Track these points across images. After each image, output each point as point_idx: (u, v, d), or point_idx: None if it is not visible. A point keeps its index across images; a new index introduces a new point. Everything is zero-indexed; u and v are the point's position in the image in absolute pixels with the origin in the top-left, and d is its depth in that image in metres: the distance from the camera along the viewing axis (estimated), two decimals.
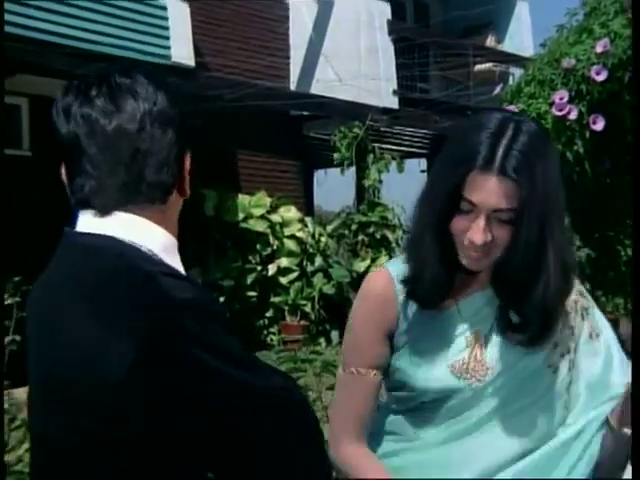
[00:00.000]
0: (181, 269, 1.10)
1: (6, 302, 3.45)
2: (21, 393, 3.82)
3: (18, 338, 3.33)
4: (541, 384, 1.34)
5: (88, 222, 1.10)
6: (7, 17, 6.21)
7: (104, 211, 1.09)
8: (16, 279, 3.49)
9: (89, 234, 1.09)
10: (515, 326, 1.32)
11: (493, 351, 1.33)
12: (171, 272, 1.05)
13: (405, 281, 1.34)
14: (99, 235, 1.08)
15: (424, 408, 1.37)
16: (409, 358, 1.35)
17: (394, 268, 1.38)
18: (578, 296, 1.39)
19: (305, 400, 1.15)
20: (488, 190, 1.21)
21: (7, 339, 3.31)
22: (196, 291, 1.04)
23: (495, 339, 1.33)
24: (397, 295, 1.35)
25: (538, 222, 1.24)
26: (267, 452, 1.04)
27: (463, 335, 1.34)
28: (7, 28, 6.16)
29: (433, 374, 1.33)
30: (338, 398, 1.43)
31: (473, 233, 1.23)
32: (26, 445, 2.97)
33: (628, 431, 1.28)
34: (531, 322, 1.30)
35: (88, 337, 1.02)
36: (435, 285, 1.31)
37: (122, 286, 1.03)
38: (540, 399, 1.34)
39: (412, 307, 1.35)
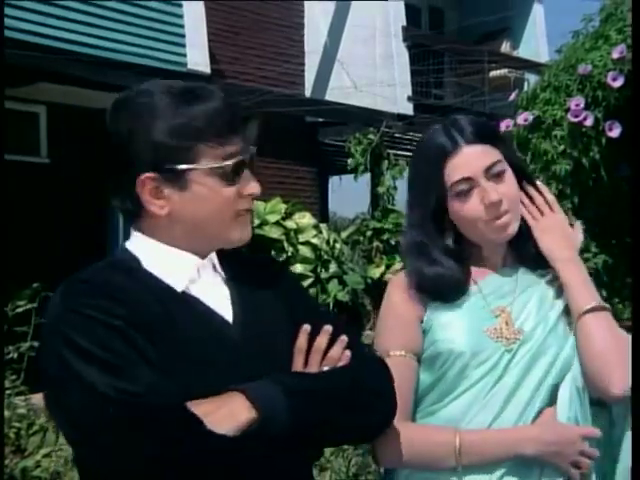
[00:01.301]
0: (165, 275, 1.18)
1: (24, 308, 3.48)
2: (39, 399, 3.85)
3: (37, 344, 3.35)
4: (560, 339, 1.43)
5: None
6: (26, 26, 6.30)
7: None
8: (35, 285, 3.52)
9: None
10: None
11: (520, 317, 1.43)
12: (88, 278, 1.16)
13: (423, 286, 1.43)
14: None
15: (457, 389, 1.40)
16: (445, 330, 1.42)
17: None
18: None
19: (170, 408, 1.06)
20: (469, 159, 1.39)
21: (26, 345, 3.34)
22: (91, 296, 1.12)
23: (518, 308, 1.44)
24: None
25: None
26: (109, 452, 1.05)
27: (489, 309, 1.43)
28: (26, 37, 6.24)
29: (471, 337, 1.40)
30: None
31: (486, 197, 1.38)
32: (44, 450, 2.99)
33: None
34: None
35: None
36: (455, 280, 1.42)
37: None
38: (561, 351, 1.43)
39: None
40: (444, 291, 1.43)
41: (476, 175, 1.39)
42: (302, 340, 1.22)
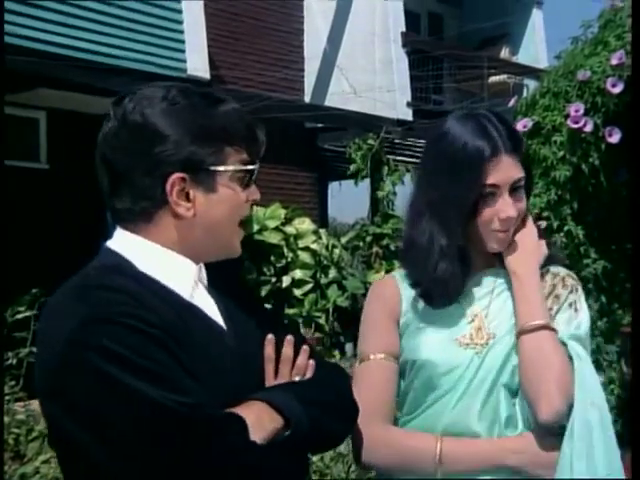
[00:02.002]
0: (167, 280, 1.14)
1: (24, 314, 3.47)
2: (38, 405, 3.83)
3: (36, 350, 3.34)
4: None
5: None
6: (27, 32, 6.31)
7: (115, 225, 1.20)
8: (34, 291, 3.51)
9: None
10: None
11: (494, 322, 1.42)
12: (105, 285, 1.09)
13: (420, 287, 1.43)
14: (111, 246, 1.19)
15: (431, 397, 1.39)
16: (414, 338, 1.43)
17: (400, 273, 1.52)
18: (569, 278, 1.48)
19: (218, 422, 1.06)
20: (505, 168, 1.37)
21: (25, 351, 3.32)
22: (121, 304, 1.06)
23: (493, 312, 1.43)
24: (399, 289, 1.48)
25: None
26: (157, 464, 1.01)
27: (463, 314, 1.43)
28: (27, 43, 6.26)
29: (440, 347, 1.40)
30: (358, 389, 1.41)
31: (505, 210, 1.38)
32: (43, 457, 2.99)
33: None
34: None
35: (42, 329, 1.12)
36: (457, 286, 1.41)
37: (63, 292, 1.12)
38: None
39: (413, 297, 1.46)
40: (438, 296, 1.42)
41: (503, 185, 1.38)
42: (270, 350, 1.24)
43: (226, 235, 1.19)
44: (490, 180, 1.37)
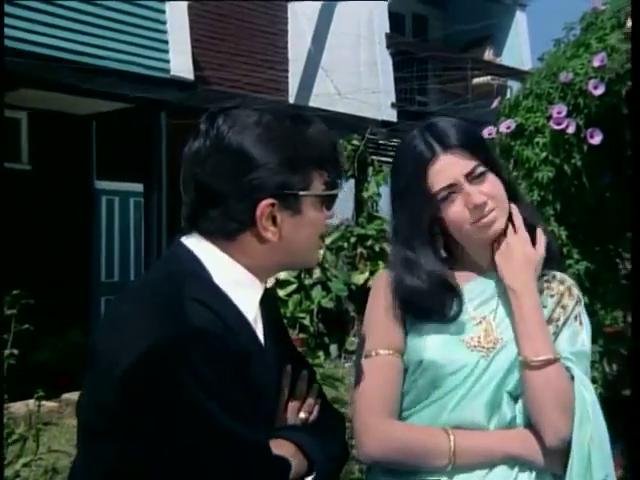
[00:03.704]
0: (237, 299, 1.14)
1: (5, 314, 3.43)
2: (19, 407, 3.79)
3: (16, 352, 3.30)
4: None
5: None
6: (13, 33, 6.26)
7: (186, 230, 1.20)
8: (15, 292, 3.47)
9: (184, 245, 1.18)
10: None
11: (501, 325, 1.42)
12: (198, 298, 1.09)
13: (413, 302, 1.42)
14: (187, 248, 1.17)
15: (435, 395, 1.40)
16: (420, 338, 1.42)
17: None
18: (574, 288, 1.49)
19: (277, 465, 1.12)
20: (446, 166, 1.38)
21: (5, 353, 3.29)
22: (210, 323, 1.06)
23: (501, 315, 1.43)
24: None
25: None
26: None
27: (470, 316, 1.42)
28: (13, 44, 6.20)
29: (447, 347, 1.40)
30: (362, 385, 1.42)
31: (470, 200, 1.37)
32: (23, 460, 2.95)
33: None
34: None
35: (117, 335, 1.09)
36: (447, 295, 1.41)
37: (153, 295, 1.11)
38: None
39: None
40: (428, 311, 1.42)
41: (458, 180, 1.38)
42: (286, 382, 1.26)
43: (308, 253, 1.22)
44: (441, 183, 1.38)
